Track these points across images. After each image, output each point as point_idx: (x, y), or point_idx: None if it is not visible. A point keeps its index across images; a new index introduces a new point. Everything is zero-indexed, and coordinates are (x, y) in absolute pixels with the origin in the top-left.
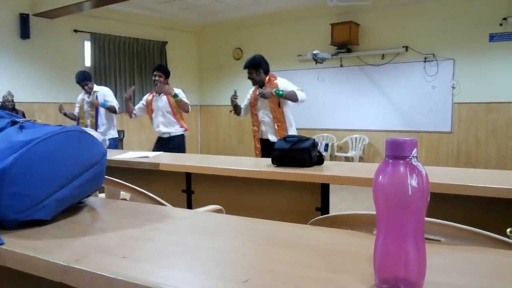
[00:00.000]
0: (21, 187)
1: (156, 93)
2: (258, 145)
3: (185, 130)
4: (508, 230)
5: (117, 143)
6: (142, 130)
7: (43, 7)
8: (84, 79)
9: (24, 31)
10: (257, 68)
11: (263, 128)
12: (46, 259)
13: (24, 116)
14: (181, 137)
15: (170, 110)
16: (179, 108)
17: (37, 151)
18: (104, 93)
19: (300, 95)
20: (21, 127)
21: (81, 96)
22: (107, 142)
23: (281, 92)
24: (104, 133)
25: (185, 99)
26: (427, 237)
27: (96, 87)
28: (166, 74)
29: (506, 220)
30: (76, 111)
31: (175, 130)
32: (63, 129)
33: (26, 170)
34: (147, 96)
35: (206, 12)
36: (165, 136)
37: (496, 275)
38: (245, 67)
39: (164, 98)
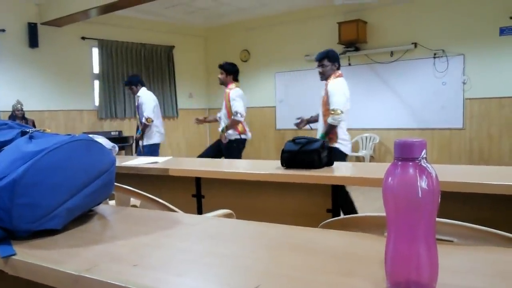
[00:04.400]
0: (32, 197)
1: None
2: None
3: (239, 133)
4: None
5: (149, 150)
6: None
7: (50, 15)
8: (127, 83)
9: (33, 40)
10: (334, 61)
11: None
12: (58, 268)
13: (34, 124)
14: (234, 142)
15: (226, 113)
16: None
17: (47, 161)
18: (142, 101)
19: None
20: (31, 137)
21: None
22: (116, 149)
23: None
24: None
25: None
26: (439, 238)
27: (140, 92)
28: (227, 70)
29: None
30: None
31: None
32: (72, 138)
33: (36, 180)
34: None
35: (212, 15)
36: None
37: (510, 275)
38: (319, 58)
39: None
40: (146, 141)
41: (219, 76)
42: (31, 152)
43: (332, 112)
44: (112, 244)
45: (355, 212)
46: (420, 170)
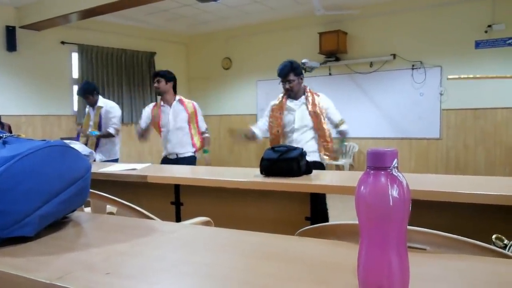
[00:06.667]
0: (3, 203)
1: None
2: None
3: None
4: (493, 236)
5: None
6: (131, 142)
7: (29, 19)
8: (83, 92)
9: (11, 44)
10: (300, 74)
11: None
12: (28, 276)
13: (10, 129)
14: (191, 159)
15: (186, 125)
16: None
17: (20, 167)
18: (107, 110)
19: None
20: (4, 143)
21: (87, 109)
22: (94, 156)
23: None
24: (105, 153)
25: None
26: (412, 246)
27: (101, 101)
28: (166, 77)
29: (493, 226)
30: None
31: (185, 150)
32: (47, 144)
33: (9, 186)
34: (152, 107)
35: (194, 22)
36: (171, 157)
37: (482, 283)
38: (284, 74)
39: (178, 108)
40: (108, 156)
41: (157, 84)
42: (3, 158)
43: (343, 121)
44: (86, 252)
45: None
46: (392, 179)
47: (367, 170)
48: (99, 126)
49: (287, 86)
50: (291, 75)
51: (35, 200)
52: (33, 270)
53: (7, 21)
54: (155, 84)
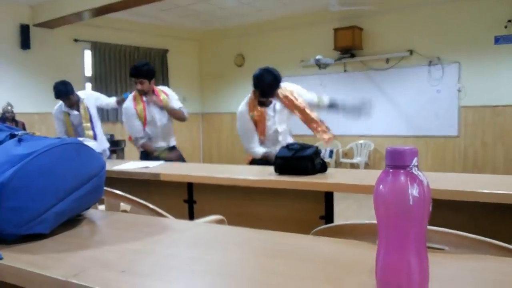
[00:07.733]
0: (20, 201)
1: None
2: None
3: None
4: None
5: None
6: None
7: (43, 17)
8: (65, 93)
9: (25, 42)
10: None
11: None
12: (45, 273)
13: (24, 127)
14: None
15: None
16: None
17: (36, 165)
18: (91, 98)
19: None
20: (20, 140)
21: (61, 109)
22: (108, 153)
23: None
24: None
25: (175, 105)
26: (431, 246)
27: (81, 93)
28: (149, 77)
29: None
30: (57, 127)
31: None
32: (62, 141)
33: (25, 183)
34: (133, 105)
35: (207, 19)
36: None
37: (500, 284)
38: (272, 93)
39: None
40: None
41: (141, 87)
42: (19, 155)
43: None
44: (100, 250)
45: None
46: (411, 178)
47: (386, 168)
48: (91, 117)
49: (269, 99)
50: (276, 91)
51: (51, 198)
52: (48, 267)
53: (21, 20)
54: (138, 87)
